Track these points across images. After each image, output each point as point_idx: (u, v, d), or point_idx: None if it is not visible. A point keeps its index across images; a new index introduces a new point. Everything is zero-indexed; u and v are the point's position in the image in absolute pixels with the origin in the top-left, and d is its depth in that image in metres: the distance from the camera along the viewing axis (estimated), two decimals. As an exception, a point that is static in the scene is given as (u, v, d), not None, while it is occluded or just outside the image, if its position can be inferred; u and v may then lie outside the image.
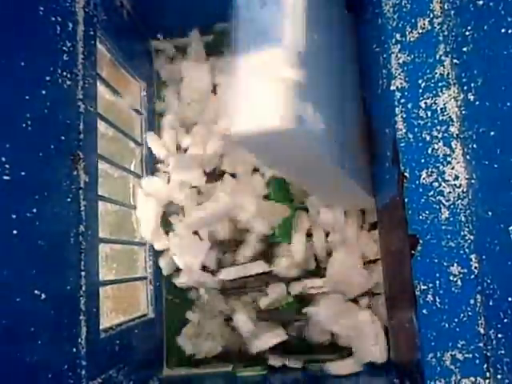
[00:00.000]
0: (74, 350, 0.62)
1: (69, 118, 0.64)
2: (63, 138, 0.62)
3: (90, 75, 0.69)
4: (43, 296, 0.56)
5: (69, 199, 0.63)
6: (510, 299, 0.56)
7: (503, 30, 0.55)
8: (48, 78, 0.60)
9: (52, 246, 0.59)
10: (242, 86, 0.66)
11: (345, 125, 0.79)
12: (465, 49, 0.61)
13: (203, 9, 0.99)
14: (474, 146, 0.60)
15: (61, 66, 0.63)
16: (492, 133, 0.58)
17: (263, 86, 0.63)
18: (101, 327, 0.69)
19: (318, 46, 0.71)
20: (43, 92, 0.59)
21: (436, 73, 0.64)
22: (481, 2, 0.58)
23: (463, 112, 0.62)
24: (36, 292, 0.55)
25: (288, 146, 0.67)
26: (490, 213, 0.59)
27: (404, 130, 0.65)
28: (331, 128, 0.72)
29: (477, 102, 0.60)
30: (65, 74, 0.63)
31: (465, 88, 0.61)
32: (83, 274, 0.64)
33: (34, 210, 0.56)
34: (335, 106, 0.76)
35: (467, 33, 0.60)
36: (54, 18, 0.62)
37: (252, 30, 0.67)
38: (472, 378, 0.60)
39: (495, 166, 0.57)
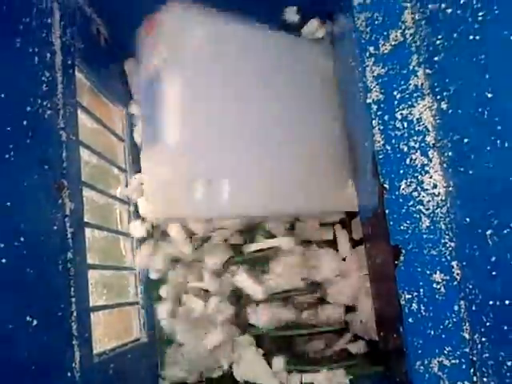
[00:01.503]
0: (69, 374, 0.62)
1: (51, 147, 0.65)
2: (47, 167, 0.63)
3: (70, 104, 0.70)
4: (35, 322, 0.57)
5: (55, 227, 0.63)
6: (491, 303, 0.57)
7: (471, 37, 0.57)
8: (29, 109, 0.61)
9: (40, 274, 0.59)
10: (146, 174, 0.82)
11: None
12: (436, 58, 0.63)
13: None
14: (450, 153, 0.62)
15: (41, 96, 0.64)
16: (466, 140, 0.59)
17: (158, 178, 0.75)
18: (94, 352, 0.70)
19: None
20: (24, 122, 0.60)
21: (410, 84, 0.66)
22: (449, 11, 0.60)
23: (438, 121, 0.63)
24: (28, 319, 0.56)
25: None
26: (468, 219, 0.60)
27: (382, 142, 0.66)
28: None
29: (450, 111, 0.61)
30: (45, 103, 0.64)
31: (438, 97, 0.63)
32: (73, 300, 0.65)
33: (22, 239, 0.57)
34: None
35: (438, 42, 0.62)
36: (31, 49, 0.63)
37: (145, 120, 0.81)
38: (460, 383, 0.61)
39: (470, 172, 0.59)
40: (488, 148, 0.55)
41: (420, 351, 0.63)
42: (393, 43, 0.67)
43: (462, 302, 0.62)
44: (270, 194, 0.80)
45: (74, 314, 0.66)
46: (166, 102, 0.74)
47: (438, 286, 0.63)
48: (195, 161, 0.71)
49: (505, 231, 0.55)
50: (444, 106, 0.62)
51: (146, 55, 0.79)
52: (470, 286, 0.61)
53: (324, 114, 0.89)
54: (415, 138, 0.65)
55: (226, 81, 0.79)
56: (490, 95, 0.55)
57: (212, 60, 0.78)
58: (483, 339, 0.59)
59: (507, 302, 0.56)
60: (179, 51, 0.75)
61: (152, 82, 0.76)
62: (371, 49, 0.68)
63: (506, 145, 0.53)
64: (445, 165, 0.63)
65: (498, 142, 0.54)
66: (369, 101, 0.68)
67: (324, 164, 0.88)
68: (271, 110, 0.83)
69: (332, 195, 0.87)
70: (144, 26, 0.80)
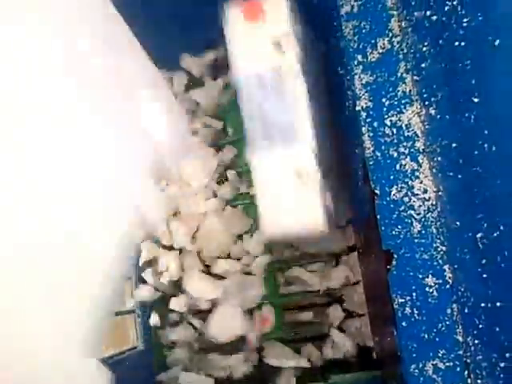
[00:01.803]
0: None
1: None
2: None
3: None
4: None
5: None
6: (483, 305, 0.58)
7: (456, 44, 0.57)
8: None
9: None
10: (267, 185, 0.71)
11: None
12: (423, 65, 0.63)
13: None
14: (439, 158, 0.62)
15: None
16: (454, 144, 0.60)
17: (291, 186, 0.67)
18: None
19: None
20: None
21: (399, 90, 0.66)
22: (434, 18, 0.61)
23: (427, 127, 0.64)
24: None
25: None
26: (458, 223, 0.61)
27: (372, 149, 0.67)
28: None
29: (438, 116, 0.62)
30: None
31: (426, 103, 0.64)
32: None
33: None
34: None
35: (424, 49, 0.63)
36: None
37: (257, 119, 0.72)
38: (454, 386, 0.62)
39: (459, 176, 0.59)
40: (476, 152, 0.56)
41: (414, 355, 0.64)
42: (380, 51, 0.68)
43: (454, 305, 0.63)
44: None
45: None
46: (300, 101, 0.71)
47: (431, 290, 0.63)
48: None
49: (494, 234, 0.55)
50: (432, 111, 0.63)
51: (254, 44, 0.74)
52: (462, 289, 0.61)
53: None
54: (405, 143, 0.66)
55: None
56: (476, 100, 0.55)
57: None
58: (476, 341, 0.60)
59: (498, 304, 0.56)
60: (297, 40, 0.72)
61: (275, 79, 0.72)
62: (359, 57, 0.69)
63: (494, 149, 0.54)
64: (434, 170, 0.64)
65: (486, 146, 0.55)
66: (358, 108, 0.69)
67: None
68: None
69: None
70: (242, 10, 0.74)
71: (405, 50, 0.66)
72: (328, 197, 0.69)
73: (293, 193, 0.67)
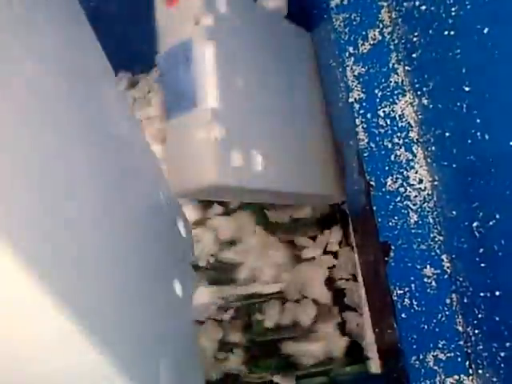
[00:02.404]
0: None
1: None
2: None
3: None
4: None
5: None
6: (482, 294, 0.58)
7: (446, 33, 0.57)
8: None
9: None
10: (171, 149, 0.73)
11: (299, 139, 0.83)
12: (414, 55, 0.63)
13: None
14: (433, 148, 0.62)
15: None
16: (447, 134, 0.60)
17: (190, 147, 0.69)
18: None
19: (250, 85, 0.75)
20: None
21: (391, 81, 0.66)
22: (423, 8, 0.61)
23: (420, 116, 0.64)
24: None
25: (232, 189, 0.71)
26: (454, 212, 0.61)
27: (366, 140, 0.67)
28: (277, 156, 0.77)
29: (431, 106, 0.62)
30: None
31: (419, 93, 0.64)
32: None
33: None
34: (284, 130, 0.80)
35: (415, 39, 0.63)
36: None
37: (171, 92, 0.74)
38: (456, 377, 0.62)
39: (454, 165, 0.59)
40: (469, 141, 0.56)
41: (415, 346, 0.64)
42: (371, 42, 0.68)
43: (453, 295, 0.63)
44: (298, 172, 0.81)
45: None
46: (203, 67, 0.71)
47: (429, 280, 0.64)
48: (233, 128, 0.69)
49: (490, 223, 0.55)
50: (425, 101, 0.63)
51: (172, 25, 0.76)
52: (461, 279, 0.61)
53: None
54: (399, 134, 0.66)
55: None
56: (467, 89, 0.55)
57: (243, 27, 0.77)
58: (476, 331, 0.60)
59: (497, 293, 0.56)
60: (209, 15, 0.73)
61: (184, 50, 0.73)
62: (350, 49, 0.69)
63: (487, 137, 0.54)
64: (429, 159, 0.64)
65: (478, 134, 0.55)
66: (351, 100, 0.69)
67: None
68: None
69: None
70: None
71: (396, 41, 0.66)
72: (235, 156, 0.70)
73: (194, 151, 0.68)
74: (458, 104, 0.57)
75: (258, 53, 0.78)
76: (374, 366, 0.86)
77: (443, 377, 0.62)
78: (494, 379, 0.58)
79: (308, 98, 0.89)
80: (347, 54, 0.69)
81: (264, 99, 0.77)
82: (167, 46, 0.75)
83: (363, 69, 0.68)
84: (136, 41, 0.93)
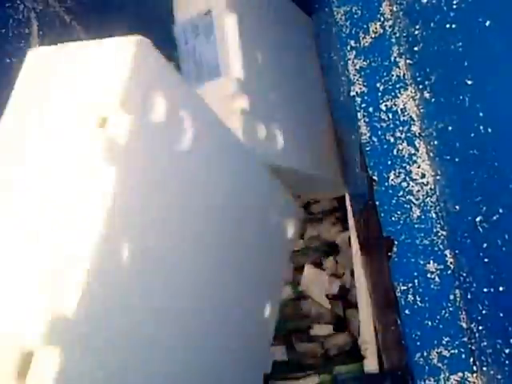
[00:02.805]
0: None
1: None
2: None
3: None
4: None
5: None
6: (485, 290, 0.58)
7: (448, 26, 0.57)
8: None
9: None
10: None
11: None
12: (416, 48, 0.63)
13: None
14: (436, 142, 0.62)
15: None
16: (450, 127, 0.59)
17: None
18: None
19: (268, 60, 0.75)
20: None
21: (393, 75, 0.66)
22: (425, 1, 0.60)
23: (422, 110, 0.64)
24: None
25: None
26: (457, 207, 0.60)
27: (368, 134, 0.67)
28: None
29: (433, 99, 0.62)
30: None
31: (421, 87, 0.63)
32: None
33: None
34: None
35: (416, 32, 0.62)
36: (8, 60, 0.63)
37: (192, 61, 0.74)
38: (460, 374, 0.61)
39: (456, 159, 0.59)
40: (472, 135, 0.56)
41: (418, 343, 0.64)
42: (373, 36, 0.67)
43: (457, 291, 0.62)
44: (313, 153, 0.82)
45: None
46: (226, 38, 0.71)
47: (433, 276, 0.63)
48: (256, 100, 0.69)
49: (494, 217, 0.55)
50: (427, 95, 0.62)
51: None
52: (464, 275, 0.61)
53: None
54: (401, 128, 0.65)
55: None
56: (469, 82, 0.55)
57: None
58: (480, 328, 0.60)
59: (501, 288, 0.56)
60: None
61: (204, 21, 0.74)
62: (352, 42, 0.69)
63: (489, 130, 0.54)
64: (431, 154, 0.63)
65: (481, 128, 0.54)
66: (352, 93, 0.68)
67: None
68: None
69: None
70: None
71: (397, 34, 0.66)
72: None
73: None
74: (461, 97, 0.56)
75: (271, 31, 0.79)
76: (371, 364, 0.85)
77: (447, 374, 0.62)
78: (499, 376, 0.58)
79: (318, 84, 0.90)
80: (349, 48, 0.69)
81: (280, 76, 0.78)
82: (186, 17, 0.75)
83: (365, 62, 0.68)
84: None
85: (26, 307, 0.38)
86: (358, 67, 0.68)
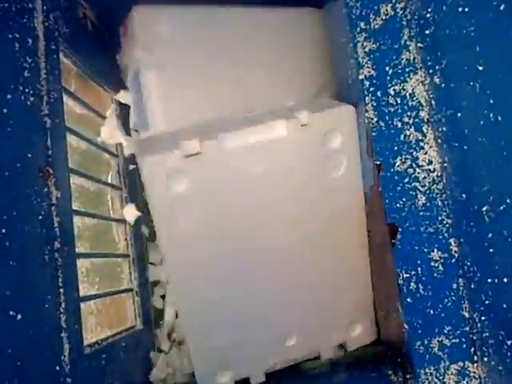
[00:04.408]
0: (58, 368, 0.62)
1: (34, 134, 0.65)
2: (30, 155, 0.63)
3: (54, 89, 0.70)
4: (19, 316, 0.57)
5: (40, 216, 0.63)
6: (489, 280, 0.58)
7: (460, 9, 0.57)
8: (9, 96, 0.61)
9: (25, 265, 0.59)
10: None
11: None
12: (427, 31, 0.63)
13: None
14: (444, 129, 0.62)
15: (22, 82, 0.64)
16: (459, 114, 0.59)
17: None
18: (85, 343, 0.70)
19: None
20: (5, 110, 0.60)
21: (402, 58, 0.66)
22: (437, -17, 0.60)
23: (431, 96, 0.64)
24: (11, 313, 0.56)
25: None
26: (464, 195, 0.61)
27: (375, 119, 0.67)
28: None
29: (443, 85, 0.62)
30: (27, 90, 0.64)
31: (431, 71, 0.63)
32: (61, 290, 0.65)
33: (4, 231, 0.56)
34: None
35: (428, 15, 0.62)
36: (11, 35, 0.63)
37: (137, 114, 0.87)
38: (460, 363, 0.62)
39: (465, 147, 0.59)
40: (481, 122, 0.56)
41: (420, 331, 0.64)
42: (384, 18, 0.67)
43: (460, 280, 0.63)
44: None
45: (63, 305, 0.65)
46: (148, 93, 0.82)
47: (436, 264, 0.64)
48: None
49: (501, 207, 0.55)
50: (437, 80, 0.62)
51: (127, 54, 0.87)
52: (468, 264, 0.61)
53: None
54: (409, 113, 0.65)
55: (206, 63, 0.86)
56: (480, 68, 0.55)
57: (187, 48, 0.85)
58: (483, 318, 0.60)
59: (505, 279, 0.56)
60: (153, 47, 0.83)
61: (136, 75, 0.84)
62: (362, 24, 0.68)
63: (500, 118, 0.54)
64: (439, 140, 0.63)
65: (491, 115, 0.54)
66: (361, 77, 0.68)
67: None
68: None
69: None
70: (121, 29, 0.88)
71: (408, 17, 0.66)
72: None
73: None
74: (471, 83, 0.56)
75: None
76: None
77: (447, 363, 0.63)
78: (500, 367, 0.58)
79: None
80: (358, 30, 0.69)
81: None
82: (131, 70, 0.86)
83: (374, 45, 0.68)
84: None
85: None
86: (367, 50, 0.68)
